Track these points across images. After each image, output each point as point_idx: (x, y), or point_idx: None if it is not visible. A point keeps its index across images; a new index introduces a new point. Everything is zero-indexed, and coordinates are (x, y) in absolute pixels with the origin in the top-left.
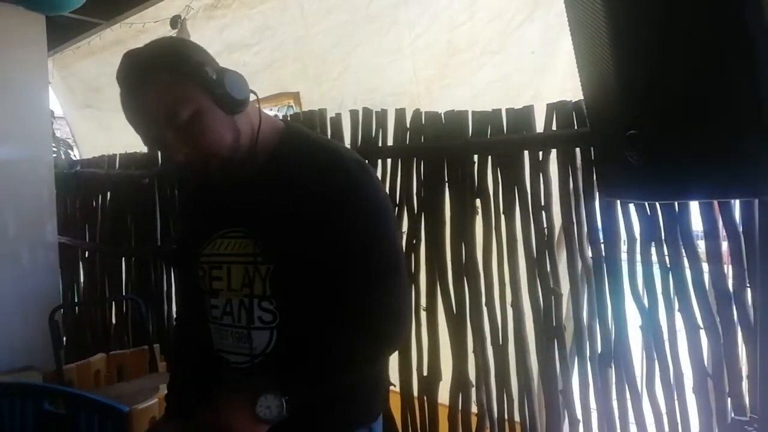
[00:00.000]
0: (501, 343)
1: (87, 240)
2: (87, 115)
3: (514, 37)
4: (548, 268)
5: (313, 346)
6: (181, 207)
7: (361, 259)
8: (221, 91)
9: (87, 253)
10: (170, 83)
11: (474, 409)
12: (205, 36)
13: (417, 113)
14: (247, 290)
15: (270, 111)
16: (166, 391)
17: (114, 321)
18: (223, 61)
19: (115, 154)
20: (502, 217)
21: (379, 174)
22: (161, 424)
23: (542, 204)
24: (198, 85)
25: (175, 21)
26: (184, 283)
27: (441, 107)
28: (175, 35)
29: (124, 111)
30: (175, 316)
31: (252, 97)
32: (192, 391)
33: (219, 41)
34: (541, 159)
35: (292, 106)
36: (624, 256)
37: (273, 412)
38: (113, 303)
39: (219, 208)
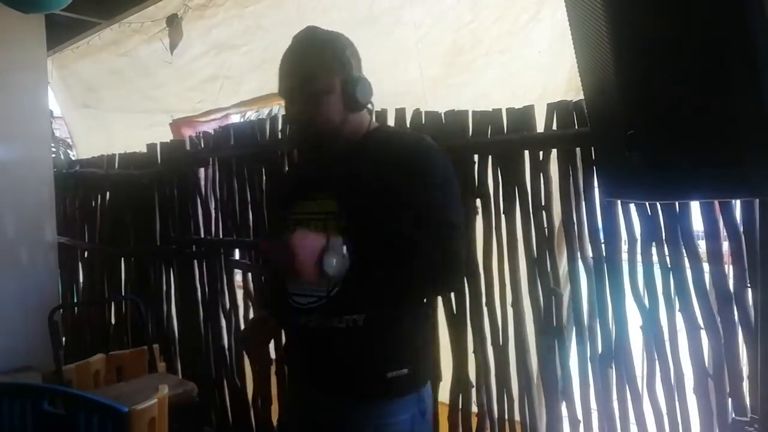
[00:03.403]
0: (501, 343)
1: (86, 240)
2: (85, 115)
3: (520, 36)
4: (548, 268)
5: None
6: (270, 192)
7: (427, 215)
8: (352, 90)
9: (86, 253)
10: (326, 61)
11: (474, 409)
12: (190, 36)
13: (417, 113)
14: None
15: (257, 112)
16: (166, 391)
17: (113, 321)
18: (209, 62)
19: (115, 154)
20: (503, 216)
21: None
22: (264, 317)
23: (542, 204)
24: (341, 74)
25: (171, 19)
26: None
27: (447, 107)
28: (170, 32)
29: (284, 61)
30: None
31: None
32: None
33: (206, 41)
34: (541, 159)
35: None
36: (624, 256)
37: (335, 268)
38: (112, 303)
39: (312, 178)
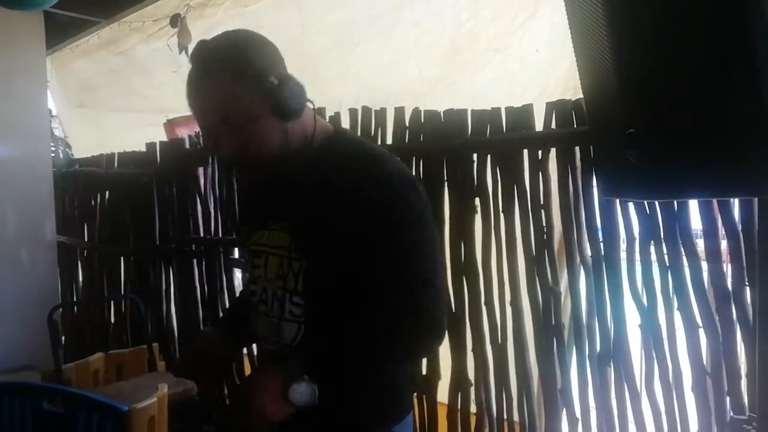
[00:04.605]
0: (500, 342)
1: (86, 239)
2: (81, 115)
3: (517, 35)
4: (547, 267)
5: (346, 342)
6: (240, 198)
7: (398, 269)
8: (279, 99)
9: (86, 252)
10: (232, 84)
11: (473, 408)
12: (192, 35)
13: (416, 112)
14: (280, 282)
15: None
16: (165, 390)
17: (113, 320)
18: None
19: (114, 153)
20: (502, 216)
21: None
22: (208, 330)
23: (541, 203)
24: (258, 90)
25: (175, 20)
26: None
27: (446, 106)
28: (178, 33)
29: (187, 96)
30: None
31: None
32: (240, 323)
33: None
34: (540, 158)
35: None
36: (623, 254)
37: (305, 398)
38: (112, 302)
39: (266, 202)
